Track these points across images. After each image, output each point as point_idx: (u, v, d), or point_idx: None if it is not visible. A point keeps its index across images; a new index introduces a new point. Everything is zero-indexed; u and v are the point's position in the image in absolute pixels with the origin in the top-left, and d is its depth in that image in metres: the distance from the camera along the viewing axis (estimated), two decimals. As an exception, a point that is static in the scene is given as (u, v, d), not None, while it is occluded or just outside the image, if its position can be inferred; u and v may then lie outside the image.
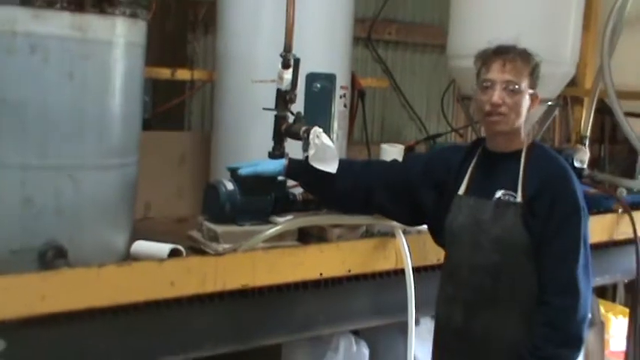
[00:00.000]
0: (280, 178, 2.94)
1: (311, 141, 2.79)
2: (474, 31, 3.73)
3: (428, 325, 3.38)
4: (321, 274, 2.89)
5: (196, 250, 2.82)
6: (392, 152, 3.69)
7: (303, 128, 2.86)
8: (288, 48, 2.98)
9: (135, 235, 2.82)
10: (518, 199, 2.53)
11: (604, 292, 5.52)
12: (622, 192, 4.08)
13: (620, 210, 3.97)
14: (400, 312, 3.00)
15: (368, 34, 4.93)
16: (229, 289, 2.67)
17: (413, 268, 2.98)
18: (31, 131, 2.46)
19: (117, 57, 2.61)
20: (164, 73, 3.68)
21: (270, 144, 2.99)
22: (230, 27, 3.47)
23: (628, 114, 4.18)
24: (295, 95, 2.99)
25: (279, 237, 2.82)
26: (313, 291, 2.92)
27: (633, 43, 4.29)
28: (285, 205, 2.97)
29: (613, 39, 4.15)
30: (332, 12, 3.47)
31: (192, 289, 2.59)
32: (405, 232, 3.01)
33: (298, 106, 3.04)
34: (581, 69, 4.51)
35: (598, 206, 3.85)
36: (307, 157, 2.80)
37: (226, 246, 2.74)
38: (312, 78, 3.19)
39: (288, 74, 2.96)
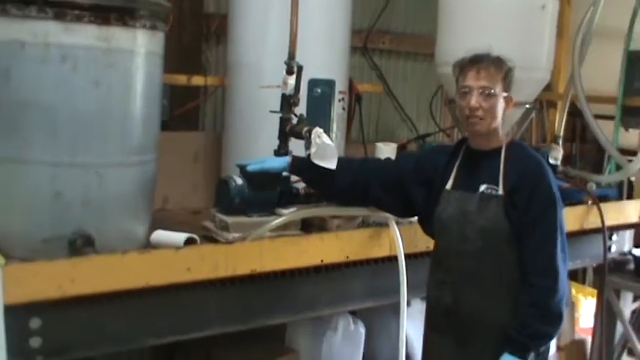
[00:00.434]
0: (285, 173, 2.93)
1: (313, 140, 2.78)
2: (459, 40, 3.72)
3: (418, 306, 3.40)
4: (321, 260, 2.89)
5: (209, 238, 2.81)
6: (386, 150, 3.69)
7: (306, 129, 2.85)
8: (291, 56, 2.99)
9: (154, 225, 2.81)
10: (500, 192, 2.53)
11: (575, 276, 5.52)
12: (591, 186, 4.09)
13: (589, 202, 3.98)
14: (393, 294, 3.00)
15: (364, 43, 4.93)
16: (239, 274, 2.67)
17: (404, 255, 2.97)
18: (61, 132, 2.46)
19: (138, 65, 2.61)
20: (180, 79, 3.68)
21: (275, 143, 2.99)
22: (239, 38, 3.46)
23: (597, 116, 4.19)
24: (298, 99, 3.00)
25: (284, 227, 2.82)
26: (315, 276, 2.92)
27: (601, 52, 4.29)
28: (290, 198, 2.97)
29: (583, 49, 4.15)
30: (331, 24, 3.47)
31: (205, 274, 2.59)
32: (397, 223, 3.00)
33: (301, 108, 3.04)
34: (555, 75, 4.50)
35: (570, 199, 3.85)
36: (309, 155, 2.79)
37: (236, 235, 2.74)
38: (313, 83, 3.18)
39: (291, 80, 2.97)
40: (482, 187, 2.56)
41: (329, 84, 3.24)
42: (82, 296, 2.32)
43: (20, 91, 2.43)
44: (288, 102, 2.97)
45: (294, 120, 2.97)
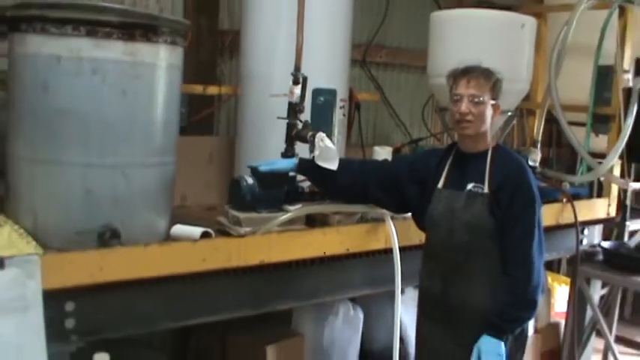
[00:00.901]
0: (292, 174, 2.93)
1: (316, 144, 2.79)
2: (448, 55, 3.72)
3: (411, 294, 3.40)
4: (324, 252, 2.89)
5: (223, 232, 2.80)
6: (382, 153, 3.71)
7: (310, 133, 2.85)
8: (297, 68, 2.98)
9: (173, 220, 2.80)
10: (485, 190, 2.54)
11: (551, 266, 5.53)
12: (566, 185, 4.09)
13: (564, 200, 3.98)
14: (389, 283, 2.99)
15: (363, 57, 4.92)
16: (250, 264, 2.67)
17: (399, 248, 2.97)
18: (92, 137, 2.47)
19: (160, 76, 2.61)
20: (197, 89, 3.68)
21: (283, 146, 2.99)
22: (251, 52, 3.46)
23: (571, 123, 4.19)
24: (303, 107, 2.99)
25: (290, 222, 2.82)
26: (318, 266, 2.91)
27: (574, 66, 4.30)
28: (295, 196, 2.95)
29: (558, 63, 4.16)
30: (334, 39, 3.46)
31: (219, 264, 2.59)
32: (392, 219, 2.99)
33: (306, 115, 3.03)
34: (534, 86, 4.49)
35: (547, 197, 3.85)
36: (313, 157, 2.80)
37: (247, 229, 2.73)
38: (317, 93, 3.18)
39: (297, 89, 2.96)
40: (470, 186, 2.57)
41: (331, 93, 3.24)
42: (110, 283, 2.33)
43: (57, 100, 2.44)
44: (294, 109, 2.97)
45: (300, 125, 2.97)
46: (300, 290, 2.95)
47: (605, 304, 4.65)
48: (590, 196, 4.40)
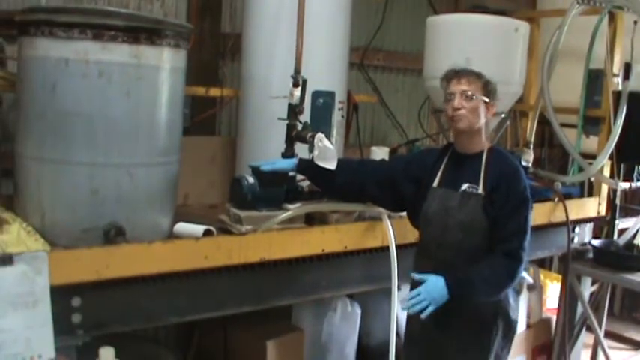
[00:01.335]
0: (291, 173, 2.93)
1: (315, 144, 2.79)
2: (444, 58, 3.70)
3: (407, 291, 3.39)
4: (323, 250, 2.90)
5: (224, 230, 2.81)
6: (380, 153, 3.71)
7: (309, 134, 2.86)
8: (297, 71, 3.00)
9: (177, 218, 2.81)
10: (480, 191, 2.54)
11: (542, 263, 5.54)
12: (558, 185, 4.09)
13: (556, 199, 3.99)
14: (386, 280, 3.00)
15: (361, 60, 4.91)
16: (250, 261, 2.67)
17: (395, 246, 2.97)
18: (98, 137, 2.47)
19: (163, 78, 2.61)
20: (200, 90, 3.67)
21: (282, 147, 2.99)
22: (252, 55, 3.46)
23: (562, 125, 4.20)
24: (303, 108, 3.00)
25: (290, 220, 2.82)
26: (317, 263, 2.92)
27: (566, 70, 4.30)
28: (295, 195, 2.96)
29: (550, 66, 4.16)
30: (332, 42, 3.45)
31: (221, 261, 2.59)
32: (389, 217, 3.00)
33: (305, 116, 3.04)
34: (527, 89, 4.50)
35: (539, 196, 3.86)
36: (313, 157, 2.80)
37: (248, 227, 2.74)
38: (316, 95, 3.19)
39: (297, 92, 2.97)
40: (464, 186, 2.58)
41: (330, 95, 3.25)
42: (116, 279, 2.34)
43: (64, 101, 2.44)
44: (294, 111, 2.97)
45: (300, 126, 2.98)
46: (300, 287, 2.95)
47: (595, 300, 4.67)
48: (581, 196, 4.40)
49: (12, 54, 2.96)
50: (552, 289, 4.94)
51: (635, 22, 4.13)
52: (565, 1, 4.19)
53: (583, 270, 4.21)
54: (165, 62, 2.60)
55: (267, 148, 3.24)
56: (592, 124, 4.31)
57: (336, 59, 3.49)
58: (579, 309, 4.31)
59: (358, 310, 3.75)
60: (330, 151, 2.80)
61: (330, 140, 2.87)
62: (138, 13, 3.58)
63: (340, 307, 3.65)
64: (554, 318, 4.53)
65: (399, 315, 3.13)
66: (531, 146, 4.30)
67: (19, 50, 2.60)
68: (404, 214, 2.93)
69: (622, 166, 4.34)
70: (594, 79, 4.26)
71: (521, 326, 4.17)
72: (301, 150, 2.95)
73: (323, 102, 3.20)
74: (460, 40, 3.88)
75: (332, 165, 2.80)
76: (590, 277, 4.32)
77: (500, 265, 2.51)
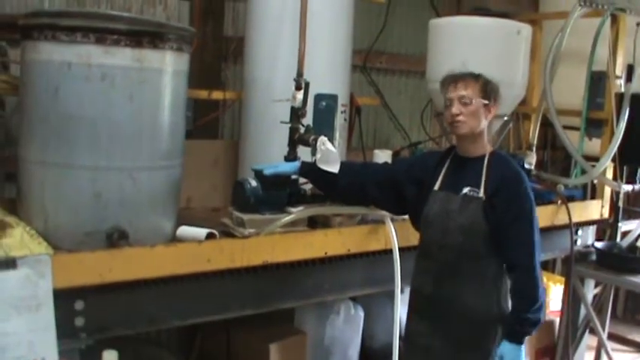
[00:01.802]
0: (294, 176, 2.93)
1: (318, 147, 2.79)
2: (446, 61, 3.71)
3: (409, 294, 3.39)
4: (326, 253, 2.90)
5: (227, 233, 2.81)
6: (382, 156, 3.70)
7: (312, 137, 2.86)
8: (300, 74, 2.99)
9: (179, 222, 2.81)
10: (481, 194, 2.53)
11: (546, 266, 5.53)
12: (560, 187, 4.10)
13: (559, 202, 3.98)
14: (388, 282, 3.00)
15: (363, 62, 4.92)
16: (253, 264, 2.68)
17: (398, 249, 2.97)
18: (100, 141, 2.47)
19: (166, 82, 2.61)
20: (203, 93, 3.67)
21: (285, 150, 2.99)
22: (254, 58, 3.46)
23: (565, 127, 4.20)
24: (306, 111, 2.99)
25: (293, 224, 2.82)
26: (320, 266, 2.92)
27: (568, 72, 4.30)
28: (298, 198, 2.95)
29: (553, 69, 4.16)
30: (335, 45, 3.45)
31: (224, 264, 2.60)
32: (392, 220, 3.00)
33: (308, 119, 3.04)
34: (529, 91, 4.50)
35: (542, 199, 3.86)
36: (315, 160, 2.80)
37: (251, 230, 2.73)
38: (319, 98, 3.19)
39: (300, 95, 2.97)
40: (465, 190, 2.57)
41: (333, 98, 3.25)
42: (119, 282, 2.34)
43: (67, 105, 2.45)
44: (296, 114, 2.97)
45: (302, 129, 2.97)
46: (303, 290, 2.95)
47: (598, 303, 4.66)
48: (583, 198, 4.39)
49: (15, 58, 2.97)
50: (555, 292, 4.93)
51: (638, 24, 4.14)
52: (567, 4, 4.19)
53: (586, 272, 4.20)
54: (168, 66, 2.60)
55: (269, 152, 3.23)
56: (595, 126, 4.31)
57: (338, 62, 3.49)
58: (582, 311, 4.31)
59: (361, 313, 3.75)
60: (333, 154, 2.79)
61: (332, 143, 2.86)
62: (140, 16, 3.58)
63: (343, 310, 3.65)
64: (557, 320, 4.52)
65: (402, 318, 3.12)
66: (534, 148, 4.29)
67: (22, 54, 2.60)
68: (406, 217, 2.91)
69: (625, 168, 4.34)
70: (597, 82, 4.26)
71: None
72: (304, 153, 2.95)
73: (326, 105, 3.20)
74: (462, 43, 3.88)
75: (335, 168, 2.79)
76: (594, 279, 4.32)
77: (525, 287, 2.51)
